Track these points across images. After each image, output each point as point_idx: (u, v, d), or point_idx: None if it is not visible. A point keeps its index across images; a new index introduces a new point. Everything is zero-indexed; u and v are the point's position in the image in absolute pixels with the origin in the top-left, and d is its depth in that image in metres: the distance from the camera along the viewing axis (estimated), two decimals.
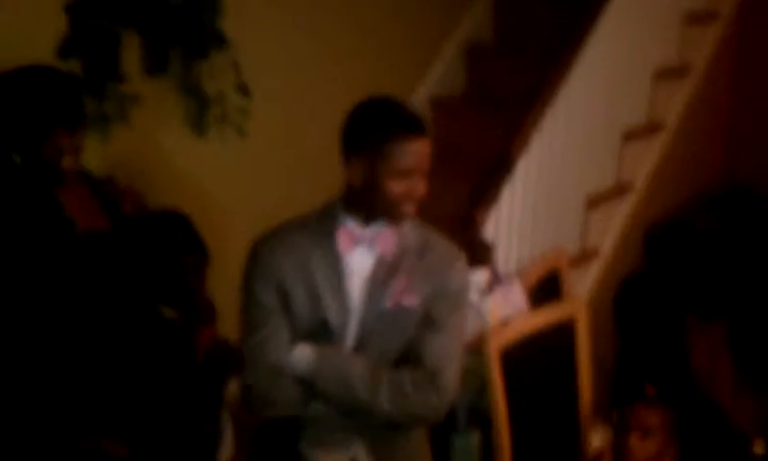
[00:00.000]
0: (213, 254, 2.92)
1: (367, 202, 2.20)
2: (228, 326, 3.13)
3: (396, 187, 2.16)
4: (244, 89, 3.68)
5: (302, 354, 2.20)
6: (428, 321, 2.24)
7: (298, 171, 4.05)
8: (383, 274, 2.23)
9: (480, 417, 2.95)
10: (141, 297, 2.71)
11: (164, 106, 3.60)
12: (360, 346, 2.24)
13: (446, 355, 2.24)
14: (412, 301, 2.23)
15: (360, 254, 2.23)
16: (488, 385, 2.86)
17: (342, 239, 2.22)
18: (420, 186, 2.18)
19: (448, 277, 2.27)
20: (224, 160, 3.76)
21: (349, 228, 2.23)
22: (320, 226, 2.25)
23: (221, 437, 3.11)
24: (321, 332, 2.22)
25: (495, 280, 3.10)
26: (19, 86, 2.56)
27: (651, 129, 4.24)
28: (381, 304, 2.22)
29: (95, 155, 3.13)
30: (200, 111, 3.65)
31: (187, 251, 2.86)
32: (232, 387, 3.18)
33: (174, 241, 2.82)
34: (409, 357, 2.24)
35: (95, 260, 2.59)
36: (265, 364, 2.20)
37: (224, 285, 3.15)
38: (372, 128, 2.15)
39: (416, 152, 2.15)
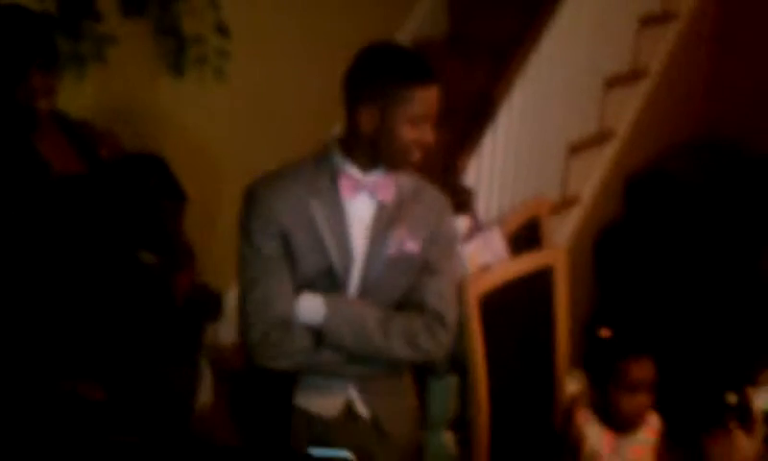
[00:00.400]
0: (191, 197, 2.90)
1: (374, 148, 2.20)
2: (208, 268, 3.12)
3: (407, 134, 2.17)
4: (223, 30, 3.62)
5: (312, 304, 2.20)
6: (425, 265, 2.28)
7: (277, 112, 4.01)
8: (384, 221, 2.25)
9: (458, 362, 2.96)
10: (119, 241, 2.69)
11: (142, 46, 3.54)
12: (363, 294, 2.26)
13: (446, 297, 2.31)
14: (413, 247, 2.26)
15: (361, 202, 2.24)
16: (466, 331, 2.86)
17: (344, 186, 2.22)
18: (429, 134, 2.20)
19: (441, 222, 2.33)
20: (202, 102, 3.71)
21: (351, 174, 2.23)
22: (318, 172, 2.25)
23: (199, 382, 3.11)
24: (324, 279, 2.23)
25: (476, 227, 3.09)
26: None
27: (634, 76, 4.22)
28: (384, 252, 2.25)
29: (71, 96, 3.07)
30: (178, 52, 3.59)
31: (164, 194, 2.84)
32: (211, 332, 3.19)
33: (151, 185, 2.79)
34: (408, 302, 2.28)
35: (71, 204, 2.55)
36: (273, 316, 2.19)
37: (202, 228, 3.14)
38: (386, 74, 2.16)
39: (428, 98, 2.17)
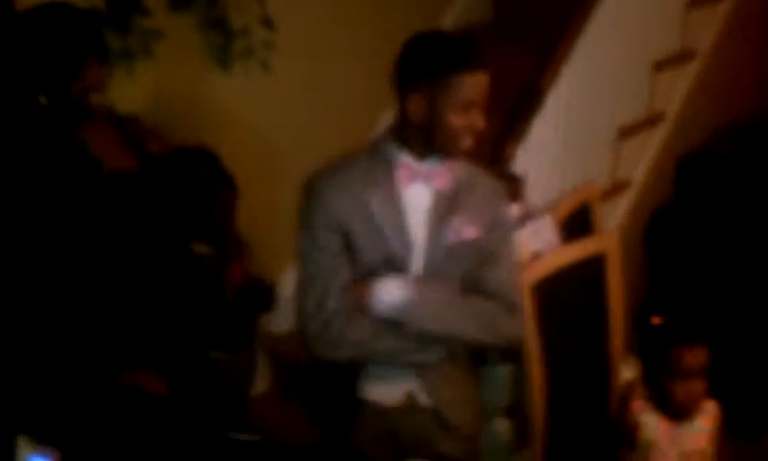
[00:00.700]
0: (242, 188, 2.91)
1: (426, 136, 2.20)
2: (261, 258, 3.14)
3: (456, 120, 2.16)
4: (269, 23, 3.64)
5: (392, 286, 2.21)
6: (487, 253, 2.29)
7: (323, 104, 4.02)
8: (443, 209, 2.26)
9: (511, 351, 2.95)
10: (171, 233, 2.72)
11: (189, 40, 3.57)
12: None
13: (511, 282, 2.33)
14: (472, 234, 2.27)
15: (417, 190, 2.25)
16: None
17: (400, 175, 2.23)
18: (479, 120, 2.19)
19: (500, 209, 2.35)
20: (250, 94, 3.73)
21: (406, 163, 2.23)
22: (374, 162, 2.26)
23: (254, 371, 3.14)
24: (384, 270, 2.24)
25: (526, 215, 3.07)
26: (43, 23, 2.49)
27: (683, 58, 4.16)
28: (443, 239, 2.25)
29: (120, 91, 3.11)
30: (224, 46, 3.61)
31: (216, 185, 2.86)
32: (266, 321, 3.21)
33: (201, 177, 2.81)
34: (471, 290, 2.29)
35: (124, 199, 2.58)
36: (332, 309, 2.21)
37: (254, 218, 3.16)
38: (434, 61, 2.16)
39: (477, 84, 2.16)
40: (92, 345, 2.50)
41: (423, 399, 2.34)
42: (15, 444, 2.03)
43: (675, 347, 2.71)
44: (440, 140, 2.20)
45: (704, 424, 2.75)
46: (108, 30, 3.19)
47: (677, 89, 4.13)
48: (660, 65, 4.05)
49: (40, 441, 2.04)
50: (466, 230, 2.26)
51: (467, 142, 2.21)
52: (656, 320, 2.81)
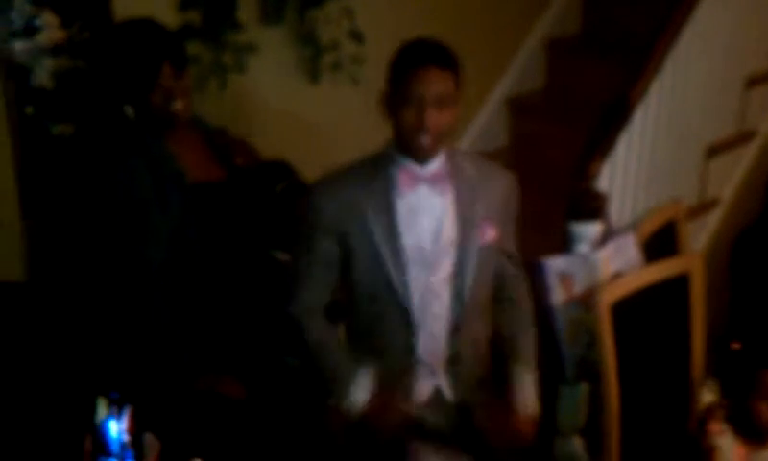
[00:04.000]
0: None
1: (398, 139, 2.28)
2: None
3: (407, 118, 2.23)
4: (358, 37, 3.70)
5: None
6: (505, 253, 2.44)
7: None
8: (465, 211, 2.32)
9: (589, 370, 2.94)
10: (253, 242, 2.79)
11: (280, 54, 3.66)
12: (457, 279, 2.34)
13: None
14: (493, 235, 2.37)
15: (423, 195, 2.29)
16: (597, 339, 2.84)
17: (403, 179, 2.29)
18: (432, 118, 2.21)
19: (511, 201, 2.43)
20: (338, 108, 3.80)
21: (409, 168, 2.29)
22: (375, 170, 2.34)
23: None
24: (383, 290, 2.36)
25: (609, 233, 3.05)
26: (123, 35, 2.60)
27: None
28: (473, 243, 2.34)
29: (211, 103, 3.20)
30: (314, 59, 3.69)
31: (296, 196, 2.92)
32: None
33: (280, 189, 2.89)
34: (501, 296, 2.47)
35: (208, 209, 2.65)
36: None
37: None
38: (392, 63, 2.30)
39: (423, 80, 2.22)
40: (175, 349, 2.58)
41: (449, 395, 2.43)
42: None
43: (763, 368, 2.69)
44: (401, 140, 2.25)
45: None
46: (201, 44, 3.32)
47: None
48: (752, 82, 3.97)
49: None
50: (489, 232, 2.34)
51: (424, 141, 2.22)
52: (736, 345, 2.78)
